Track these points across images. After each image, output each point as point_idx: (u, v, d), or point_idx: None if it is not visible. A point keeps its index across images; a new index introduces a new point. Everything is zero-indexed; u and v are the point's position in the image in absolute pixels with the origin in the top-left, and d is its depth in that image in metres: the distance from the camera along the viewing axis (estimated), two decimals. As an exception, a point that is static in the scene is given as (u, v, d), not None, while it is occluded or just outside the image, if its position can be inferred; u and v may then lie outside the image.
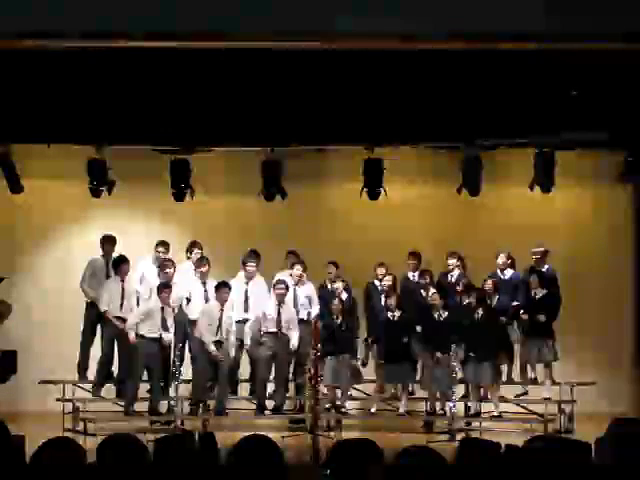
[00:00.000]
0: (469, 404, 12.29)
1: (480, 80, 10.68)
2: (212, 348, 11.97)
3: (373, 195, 12.16)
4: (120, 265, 12.36)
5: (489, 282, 12.41)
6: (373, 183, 12.09)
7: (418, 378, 12.35)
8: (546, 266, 12.66)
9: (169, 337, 11.99)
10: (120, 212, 13.46)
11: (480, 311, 12.04)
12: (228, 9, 8.97)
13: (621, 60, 10.26)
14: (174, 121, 11.05)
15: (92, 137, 11.42)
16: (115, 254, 12.56)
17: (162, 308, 11.97)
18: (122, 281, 12.35)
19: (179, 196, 12.28)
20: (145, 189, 13.38)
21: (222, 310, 12.06)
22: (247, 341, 12.37)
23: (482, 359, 11.92)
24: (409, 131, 11.26)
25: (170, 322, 12.01)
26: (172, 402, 12.07)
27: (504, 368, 12.36)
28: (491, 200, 13.21)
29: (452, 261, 12.68)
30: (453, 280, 12.68)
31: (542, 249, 12.64)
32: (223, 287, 12.10)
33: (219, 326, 12.04)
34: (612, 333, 13.70)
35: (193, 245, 12.70)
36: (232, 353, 12.19)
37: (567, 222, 13.77)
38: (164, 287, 12.03)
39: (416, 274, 12.84)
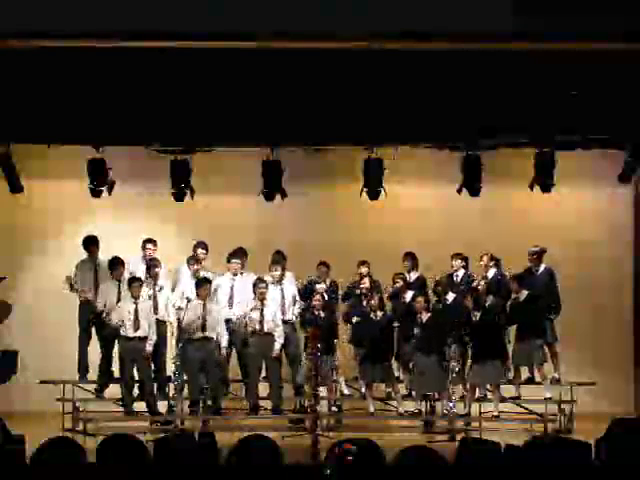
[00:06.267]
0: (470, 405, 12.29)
1: (480, 80, 10.69)
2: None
3: (373, 195, 12.14)
4: (114, 267, 12.40)
5: (482, 283, 12.43)
6: (373, 183, 12.07)
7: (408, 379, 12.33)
8: (542, 266, 12.67)
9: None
10: (120, 212, 13.46)
11: (477, 313, 12.06)
12: (228, 9, 8.98)
13: (621, 60, 10.28)
14: (174, 121, 11.05)
15: (92, 137, 11.41)
16: (114, 255, 12.57)
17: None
18: (118, 281, 12.39)
19: (179, 196, 12.27)
20: (145, 189, 13.39)
21: (205, 306, 12.05)
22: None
23: (485, 359, 11.92)
24: (409, 131, 11.25)
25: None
26: (172, 402, 12.08)
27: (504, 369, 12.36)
28: (491, 200, 13.19)
29: (457, 262, 12.77)
30: (458, 280, 12.72)
31: (537, 249, 12.67)
32: (204, 283, 12.12)
33: (204, 323, 12.02)
34: (612, 333, 13.70)
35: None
36: (223, 350, 12.16)
37: (567, 222, 13.76)
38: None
39: (412, 275, 12.87)
